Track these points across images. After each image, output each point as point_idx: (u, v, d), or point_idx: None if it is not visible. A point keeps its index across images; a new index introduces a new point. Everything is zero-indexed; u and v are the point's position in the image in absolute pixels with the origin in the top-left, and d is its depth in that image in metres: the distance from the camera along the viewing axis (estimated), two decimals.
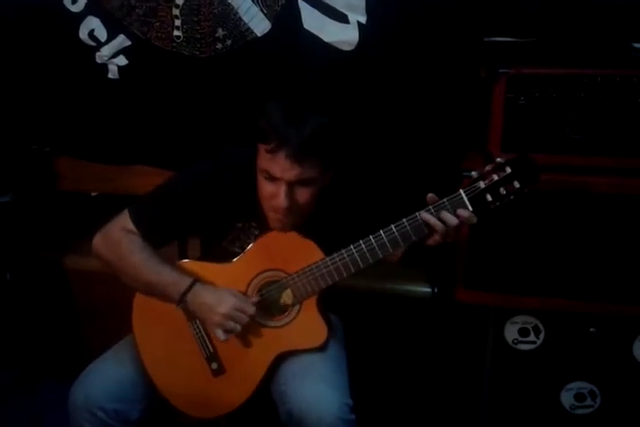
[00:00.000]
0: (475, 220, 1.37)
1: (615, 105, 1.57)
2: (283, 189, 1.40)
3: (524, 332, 1.78)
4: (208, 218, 1.56)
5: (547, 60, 1.65)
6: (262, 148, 1.40)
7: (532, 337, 1.78)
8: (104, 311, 2.10)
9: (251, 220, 1.55)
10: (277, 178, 1.40)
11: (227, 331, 1.46)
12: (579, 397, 1.79)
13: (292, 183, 1.40)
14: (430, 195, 1.39)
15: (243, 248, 1.55)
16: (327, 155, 1.41)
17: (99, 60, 1.98)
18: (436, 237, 1.39)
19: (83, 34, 1.96)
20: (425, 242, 1.43)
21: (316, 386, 1.43)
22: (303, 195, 1.43)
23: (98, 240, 1.54)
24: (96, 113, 2.05)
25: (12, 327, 2.07)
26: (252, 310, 1.46)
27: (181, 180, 1.57)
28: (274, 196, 1.42)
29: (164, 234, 1.57)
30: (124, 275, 1.53)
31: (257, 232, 1.55)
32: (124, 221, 1.54)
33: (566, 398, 1.80)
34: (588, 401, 1.79)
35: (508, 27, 1.75)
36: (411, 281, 1.95)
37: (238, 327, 1.45)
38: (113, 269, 1.54)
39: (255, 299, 1.49)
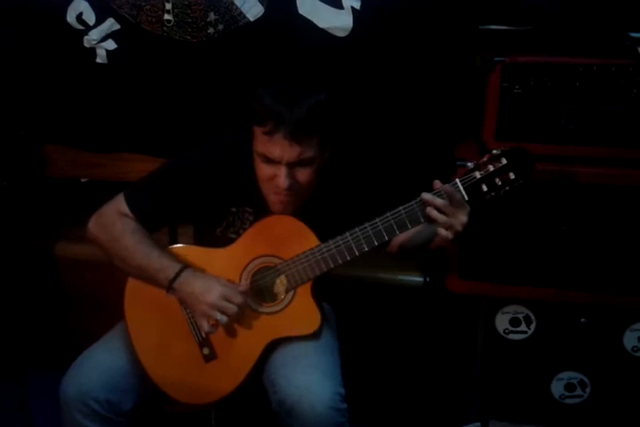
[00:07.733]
0: (439, 202, 1.34)
1: (610, 95, 1.56)
2: (283, 170, 1.39)
3: (515, 322, 1.78)
4: (203, 202, 1.54)
5: (542, 48, 1.65)
6: (258, 130, 1.39)
7: (523, 327, 1.78)
8: (94, 299, 2.08)
9: (245, 204, 1.54)
10: (276, 160, 1.39)
11: (214, 321, 1.45)
12: (569, 386, 1.80)
13: (291, 164, 1.39)
14: (436, 181, 1.38)
15: (237, 234, 1.54)
16: (324, 132, 1.40)
17: (87, 45, 1.94)
18: (442, 232, 1.37)
19: (70, 17, 1.92)
20: (435, 242, 1.42)
21: (308, 375, 1.43)
22: (303, 175, 1.42)
23: (92, 222, 1.54)
24: (83, 99, 2.02)
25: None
26: (239, 299, 1.44)
27: (176, 164, 1.56)
28: (273, 177, 1.41)
29: (158, 218, 1.56)
30: (117, 258, 1.51)
31: (251, 218, 1.54)
32: (120, 204, 1.52)
33: (556, 388, 1.80)
34: (578, 391, 1.80)
35: (504, 15, 1.74)
36: (403, 270, 1.95)
37: (224, 319, 1.43)
38: (106, 253, 1.53)
39: (243, 287, 1.47)
